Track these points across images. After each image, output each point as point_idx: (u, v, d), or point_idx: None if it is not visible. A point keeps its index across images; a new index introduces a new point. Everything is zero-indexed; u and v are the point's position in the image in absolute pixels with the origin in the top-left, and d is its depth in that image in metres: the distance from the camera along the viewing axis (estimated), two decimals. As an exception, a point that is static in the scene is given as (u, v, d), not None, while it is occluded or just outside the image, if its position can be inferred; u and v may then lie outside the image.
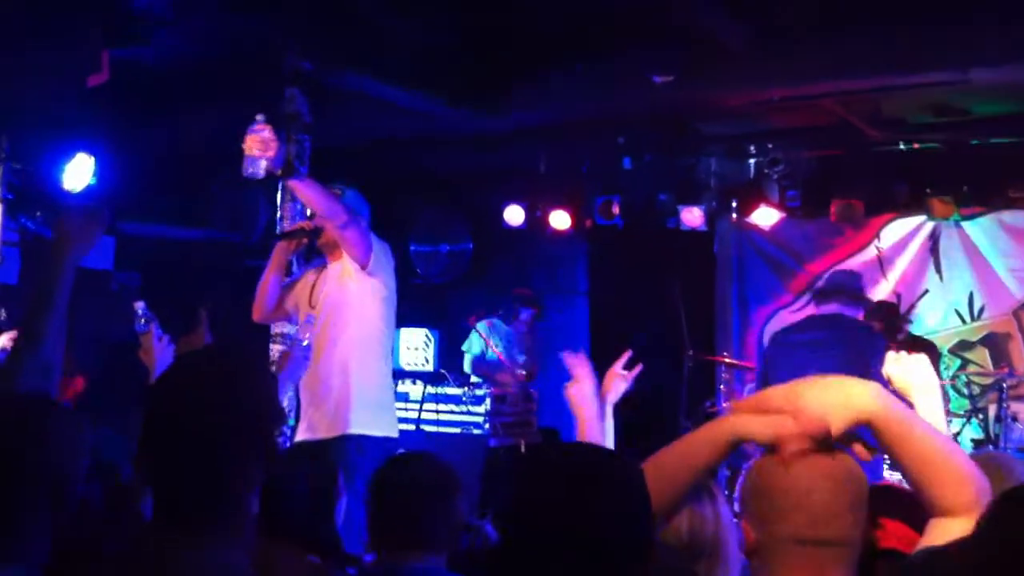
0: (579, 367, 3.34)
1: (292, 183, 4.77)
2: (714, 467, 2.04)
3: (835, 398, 1.71)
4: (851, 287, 6.44)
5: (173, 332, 3.78)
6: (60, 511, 2.10)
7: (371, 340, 5.00)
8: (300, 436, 4.93)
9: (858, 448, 1.75)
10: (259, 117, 4.42)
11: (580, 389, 3.28)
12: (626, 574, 1.69)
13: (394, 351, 9.13)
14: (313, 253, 5.26)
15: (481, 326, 8.55)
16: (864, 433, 1.77)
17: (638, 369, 3.55)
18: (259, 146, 4.41)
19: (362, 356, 4.95)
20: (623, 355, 3.52)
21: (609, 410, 3.40)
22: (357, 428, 4.81)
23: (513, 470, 1.82)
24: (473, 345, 8.76)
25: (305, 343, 4.18)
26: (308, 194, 4.77)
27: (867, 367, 5.85)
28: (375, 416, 4.91)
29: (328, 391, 4.87)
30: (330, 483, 3.17)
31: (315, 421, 4.88)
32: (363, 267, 4.89)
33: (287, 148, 4.82)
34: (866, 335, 6.12)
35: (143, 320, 3.82)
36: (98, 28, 5.08)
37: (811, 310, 8.92)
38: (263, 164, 4.45)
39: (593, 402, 3.27)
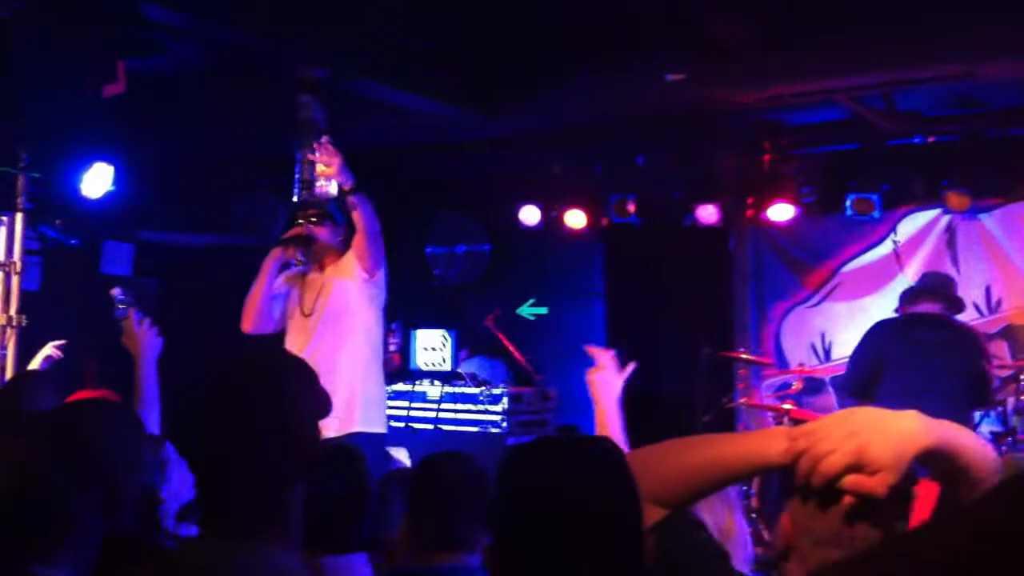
0: (603, 355, 3.37)
1: (355, 199, 4.93)
2: (749, 477, 2.03)
3: (891, 444, 1.60)
4: (943, 289, 6.67)
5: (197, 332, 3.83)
6: (113, 514, 2.13)
7: (371, 343, 5.28)
8: None
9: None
10: (324, 139, 4.68)
11: (603, 376, 3.32)
12: (619, 555, 1.71)
13: (411, 351, 9.24)
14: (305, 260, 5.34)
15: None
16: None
17: (631, 367, 3.49)
18: (325, 165, 4.69)
19: (366, 359, 5.23)
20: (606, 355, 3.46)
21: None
22: (363, 426, 5.07)
23: (500, 467, 1.84)
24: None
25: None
26: (366, 209, 4.98)
27: (982, 368, 6.15)
28: (376, 414, 5.20)
29: (334, 392, 4.98)
30: (365, 483, 3.19)
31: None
32: (372, 276, 5.08)
33: (303, 179, 5.06)
34: (973, 337, 6.48)
35: (121, 306, 3.84)
36: (113, 39, 5.15)
37: (827, 305, 9.02)
38: (334, 184, 4.73)
39: (615, 391, 3.29)
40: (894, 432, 1.62)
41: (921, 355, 6.21)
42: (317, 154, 4.82)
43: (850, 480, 1.60)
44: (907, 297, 6.69)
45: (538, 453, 1.85)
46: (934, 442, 1.65)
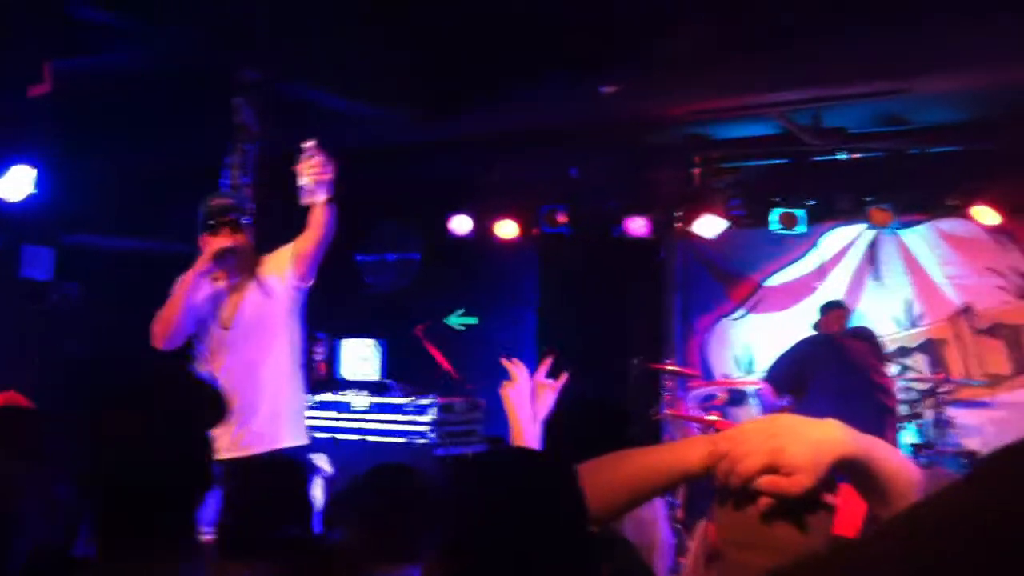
0: (517, 368, 3.34)
1: (330, 207, 4.72)
2: (675, 487, 2.03)
3: (809, 449, 1.64)
4: (874, 339, 7.49)
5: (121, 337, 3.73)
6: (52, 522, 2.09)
7: (295, 353, 5.00)
8: (227, 454, 4.53)
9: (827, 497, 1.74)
10: (309, 143, 4.48)
11: (517, 390, 3.29)
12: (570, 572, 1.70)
13: (337, 361, 9.13)
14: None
15: None
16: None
17: (564, 379, 3.40)
18: (315, 172, 4.49)
19: (290, 370, 4.96)
20: (544, 362, 3.36)
21: (538, 426, 3.25)
22: (291, 441, 4.83)
23: (449, 481, 1.84)
24: None
25: None
26: (332, 218, 4.75)
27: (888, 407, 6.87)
28: (301, 426, 5.00)
29: (258, 407, 4.79)
30: (305, 496, 3.15)
31: (244, 437, 4.75)
32: (306, 283, 4.88)
33: (233, 184, 4.85)
34: (889, 382, 7.28)
35: None
36: (39, 38, 4.99)
37: (752, 318, 9.16)
38: (322, 192, 4.58)
39: (528, 404, 3.25)
40: (813, 438, 1.65)
41: (850, 363, 6.68)
42: (308, 157, 4.58)
43: (764, 480, 1.63)
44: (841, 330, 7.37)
45: (493, 467, 1.84)
46: (853, 452, 1.68)
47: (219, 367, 4.84)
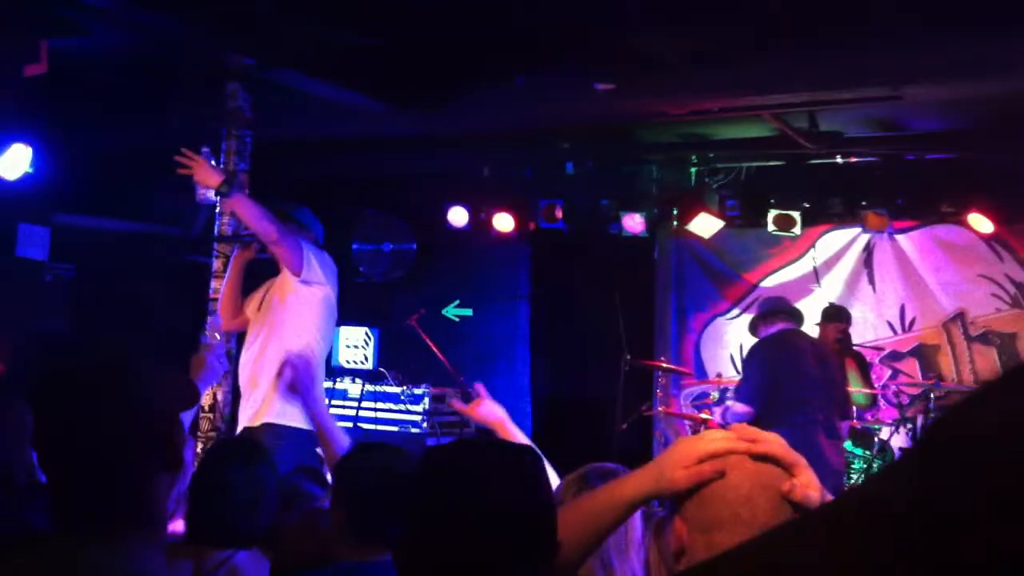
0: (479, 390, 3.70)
1: (229, 201, 5.16)
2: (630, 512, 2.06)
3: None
4: (790, 308, 7.06)
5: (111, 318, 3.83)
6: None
7: (301, 343, 5.32)
8: (241, 423, 5.41)
9: None
10: (204, 150, 4.86)
11: (483, 408, 3.58)
12: (532, 559, 1.73)
13: (333, 349, 9.19)
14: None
15: None
16: None
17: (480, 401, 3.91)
18: (195, 176, 5.03)
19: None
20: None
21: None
22: (274, 418, 5.22)
23: (420, 465, 1.85)
24: None
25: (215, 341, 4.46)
26: (242, 212, 5.16)
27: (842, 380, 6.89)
28: (296, 410, 5.18)
29: (258, 385, 5.33)
30: (266, 479, 3.15)
31: (248, 410, 5.37)
32: (296, 276, 5.19)
33: (227, 168, 5.29)
34: (830, 352, 7.03)
35: (208, 334, 4.44)
36: (35, 18, 5.06)
37: (746, 317, 9.15)
38: (211, 190, 5.14)
39: (498, 413, 3.53)
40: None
41: (803, 366, 6.47)
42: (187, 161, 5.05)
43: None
44: (761, 318, 6.91)
45: (460, 454, 1.86)
46: (799, 462, 1.77)
47: (245, 346, 5.53)
